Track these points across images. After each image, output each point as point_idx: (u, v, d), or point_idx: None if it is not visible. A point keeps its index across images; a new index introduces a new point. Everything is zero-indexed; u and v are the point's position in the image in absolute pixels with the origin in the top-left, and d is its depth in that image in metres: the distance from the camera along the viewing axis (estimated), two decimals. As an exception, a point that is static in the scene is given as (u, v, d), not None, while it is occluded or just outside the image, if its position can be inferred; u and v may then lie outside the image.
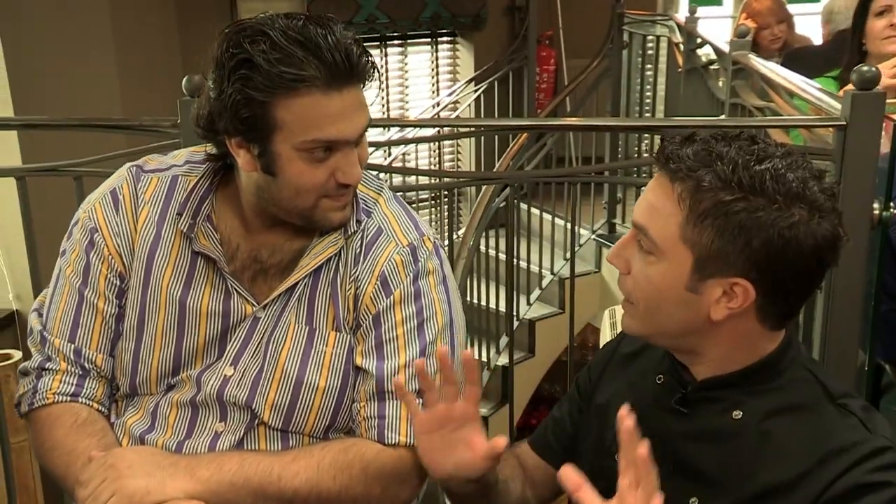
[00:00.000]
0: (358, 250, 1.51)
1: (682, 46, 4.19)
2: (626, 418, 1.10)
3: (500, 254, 4.87)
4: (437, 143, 5.98)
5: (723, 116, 3.05)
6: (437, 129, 5.46)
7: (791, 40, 4.65)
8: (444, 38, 6.19)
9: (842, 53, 3.03)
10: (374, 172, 1.63)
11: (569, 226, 5.10)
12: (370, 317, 1.49)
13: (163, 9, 4.96)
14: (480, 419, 1.35)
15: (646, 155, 5.40)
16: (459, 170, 6.25)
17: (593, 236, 5.13)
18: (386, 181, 5.06)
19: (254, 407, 1.49)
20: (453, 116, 6.01)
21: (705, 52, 3.85)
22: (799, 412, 1.28)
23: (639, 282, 1.30)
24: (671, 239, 1.24)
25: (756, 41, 4.55)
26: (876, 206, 2.07)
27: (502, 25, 6.17)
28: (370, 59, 1.38)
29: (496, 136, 5.49)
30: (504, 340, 4.71)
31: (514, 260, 4.81)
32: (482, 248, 4.39)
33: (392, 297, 1.49)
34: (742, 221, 1.19)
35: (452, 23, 5.95)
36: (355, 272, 1.50)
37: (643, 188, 1.31)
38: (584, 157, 5.38)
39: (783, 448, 1.26)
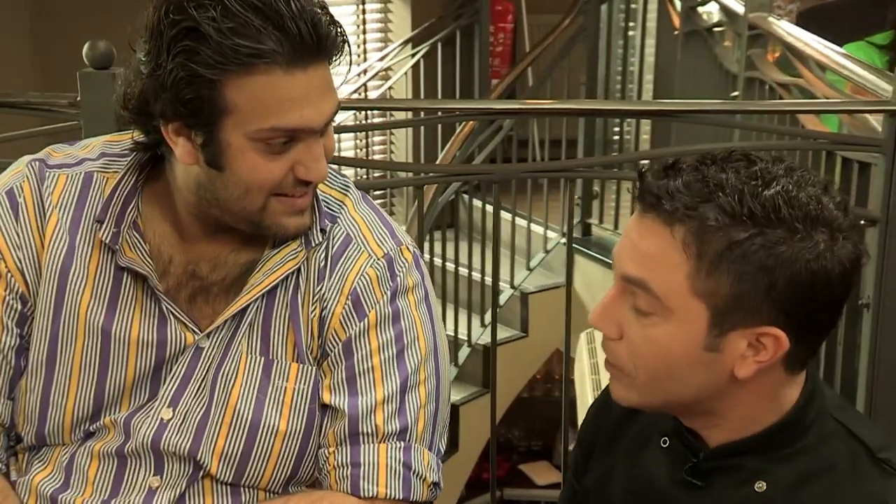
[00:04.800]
0: (322, 263, 1.53)
1: (677, 2, 4.24)
2: None
3: (446, 263, 4.87)
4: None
5: (735, 93, 3.11)
6: (356, 111, 5.35)
7: None
8: (373, -12, 6.18)
9: (877, 12, 3.08)
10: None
11: (534, 227, 5.15)
12: (340, 344, 1.52)
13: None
14: None
15: (627, 137, 5.46)
16: (393, 159, 6.25)
17: (563, 240, 5.06)
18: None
19: (198, 457, 1.50)
20: (385, 87, 6.00)
21: (708, 10, 3.89)
22: (833, 476, 1.31)
23: (638, 348, 1.30)
24: (679, 294, 1.25)
25: None
26: (934, 205, 2.16)
27: (446, -29, 6.16)
28: (341, 30, 1.41)
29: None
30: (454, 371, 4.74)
31: (466, 271, 4.88)
32: (426, 254, 4.42)
33: (366, 319, 1.51)
34: (762, 261, 1.21)
35: (383, -31, 5.95)
36: (320, 290, 1.52)
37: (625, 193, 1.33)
38: (551, 139, 5.37)
39: None
